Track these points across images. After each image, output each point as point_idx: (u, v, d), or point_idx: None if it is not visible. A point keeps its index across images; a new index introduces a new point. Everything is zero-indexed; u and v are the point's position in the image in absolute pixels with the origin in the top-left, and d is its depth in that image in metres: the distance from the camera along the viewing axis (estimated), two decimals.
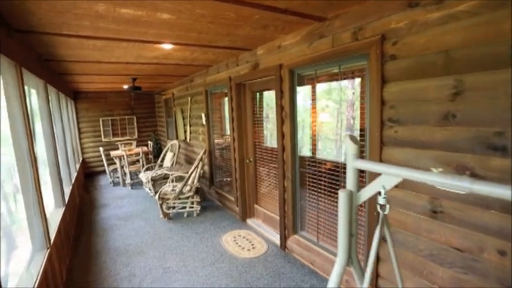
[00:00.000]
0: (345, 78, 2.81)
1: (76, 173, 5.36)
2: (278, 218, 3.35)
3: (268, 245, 3.41)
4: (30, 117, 2.32)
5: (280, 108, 2.98)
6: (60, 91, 4.64)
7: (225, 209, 4.73)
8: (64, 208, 3.34)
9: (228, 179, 4.78)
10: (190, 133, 6.00)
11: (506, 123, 1.37)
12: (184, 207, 4.49)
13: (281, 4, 1.92)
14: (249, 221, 4.12)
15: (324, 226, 2.82)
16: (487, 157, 1.45)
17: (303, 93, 2.94)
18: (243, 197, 4.17)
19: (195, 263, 3.10)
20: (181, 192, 4.34)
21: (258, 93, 3.84)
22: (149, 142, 8.23)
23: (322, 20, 2.30)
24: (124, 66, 4.03)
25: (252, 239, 3.60)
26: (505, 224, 1.42)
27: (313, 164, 2.84)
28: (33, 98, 3.27)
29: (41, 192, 2.32)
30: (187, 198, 4.45)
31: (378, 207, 0.98)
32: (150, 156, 7.63)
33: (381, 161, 2.00)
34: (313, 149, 2.97)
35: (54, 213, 3.16)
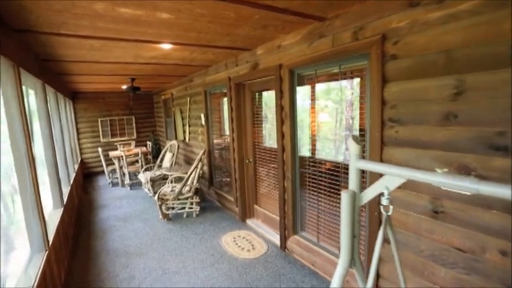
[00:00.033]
0: (344, 78, 2.81)
1: (74, 174, 5.33)
2: (278, 218, 3.34)
3: (268, 246, 3.40)
4: (28, 118, 2.30)
5: (280, 108, 2.97)
6: (58, 91, 4.61)
7: (224, 210, 4.72)
8: (62, 209, 3.31)
9: (228, 180, 4.77)
10: (189, 133, 5.98)
11: (508, 123, 1.37)
12: (183, 208, 4.47)
13: (281, 4, 1.91)
14: (249, 222, 4.10)
15: (324, 226, 2.81)
16: (488, 157, 1.45)
17: (302, 93, 2.93)
18: (242, 198, 4.15)
19: (195, 264, 3.08)
20: (180, 192, 4.32)
21: (257, 94, 3.83)
22: (148, 142, 8.20)
23: (323, 19, 2.29)
24: (123, 66, 4.01)
25: (251, 240, 3.59)
26: (507, 224, 1.42)
27: (313, 164, 2.83)
28: (31, 99, 3.26)
29: (39, 193, 2.30)
30: (187, 198, 4.43)
31: (381, 208, 0.97)
32: (149, 157, 7.61)
33: (381, 161, 1.99)
34: (313, 149, 2.96)
35: (53, 214, 3.14)
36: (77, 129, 7.61)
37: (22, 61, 2.34)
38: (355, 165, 0.99)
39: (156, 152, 8.22)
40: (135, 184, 6.45)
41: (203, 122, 5.07)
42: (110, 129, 8.05)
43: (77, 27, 2.19)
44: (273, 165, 3.58)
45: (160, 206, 4.30)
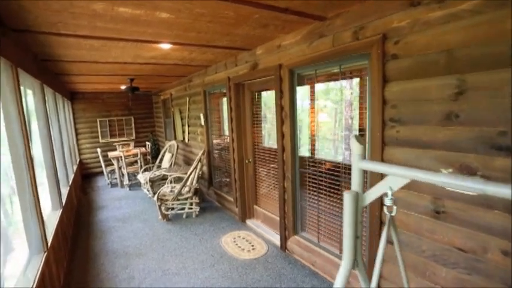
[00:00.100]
0: (344, 78, 2.80)
1: (73, 175, 5.30)
2: (278, 218, 3.33)
3: (268, 246, 3.39)
4: (26, 118, 2.29)
5: (280, 108, 2.96)
6: (56, 92, 4.59)
7: (224, 210, 4.70)
8: (61, 210, 3.29)
9: (227, 180, 4.75)
10: (188, 134, 5.96)
11: (510, 122, 1.36)
12: (183, 209, 4.45)
13: (281, 3, 1.90)
14: (249, 222, 4.09)
15: (325, 227, 2.80)
16: (490, 157, 1.44)
17: (302, 93, 2.93)
18: (242, 198, 4.14)
19: (195, 264, 3.07)
20: (180, 193, 4.31)
21: (257, 94, 3.82)
22: (147, 143, 8.18)
23: (323, 19, 2.28)
24: (122, 67, 3.99)
25: (251, 240, 3.58)
26: (508, 224, 1.42)
27: (313, 164, 2.82)
28: (30, 99, 3.24)
29: (37, 194, 2.28)
30: (186, 199, 4.41)
31: (385, 208, 0.96)
32: (148, 157, 7.59)
33: (382, 161, 1.98)
34: (312, 149, 2.95)
35: (52, 216, 3.12)
36: (76, 130, 7.58)
37: (20, 61, 2.32)
38: (358, 165, 0.98)
39: (155, 152, 8.20)
40: (134, 185, 6.42)
41: (202, 122, 5.05)
42: (109, 129, 8.02)
43: (76, 27, 2.17)
44: (272, 166, 3.57)
45: (159, 206, 4.29)
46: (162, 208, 4.30)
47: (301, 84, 2.84)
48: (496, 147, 1.43)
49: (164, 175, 5.40)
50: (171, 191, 4.48)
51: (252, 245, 3.44)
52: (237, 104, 3.91)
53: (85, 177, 7.64)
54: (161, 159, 6.48)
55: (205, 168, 5.22)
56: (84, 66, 3.84)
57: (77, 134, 7.60)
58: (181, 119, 6.21)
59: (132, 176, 6.57)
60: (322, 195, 2.76)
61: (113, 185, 6.66)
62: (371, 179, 2.11)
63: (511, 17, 1.32)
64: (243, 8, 1.92)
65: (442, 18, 1.56)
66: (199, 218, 4.42)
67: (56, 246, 2.69)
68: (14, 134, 2.10)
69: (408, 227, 1.87)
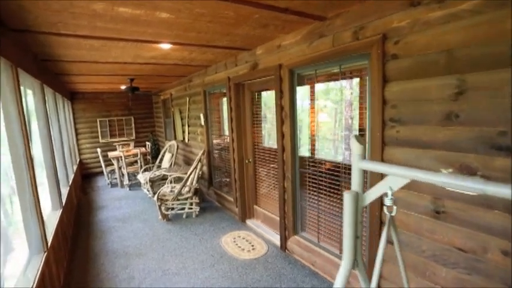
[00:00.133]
0: (344, 78, 2.80)
1: (73, 175, 5.30)
2: (278, 218, 3.33)
3: (268, 246, 3.39)
4: (26, 118, 2.29)
5: (280, 108, 2.96)
6: (56, 92, 4.59)
7: (224, 210, 4.70)
8: (61, 210, 3.29)
9: (227, 180, 4.75)
10: (188, 134, 5.96)
11: (510, 122, 1.36)
12: (183, 209, 4.45)
13: (281, 3, 1.90)
14: (249, 222, 4.09)
15: (325, 227, 2.80)
16: (490, 157, 1.44)
17: (302, 93, 2.93)
18: (242, 198, 4.14)
19: (195, 264, 3.07)
20: (180, 193, 4.31)
21: (257, 94, 3.82)
22: (147, 143, 8.18)
23: (323, 19, 2.28)
24: (122, 67, 3.99)
25: (251, 240, 3.58)
26: (508, 224, 1.41)
27: (313, 164, 2.82)
28: (30, 99, 3.24)
29: (37, 194, 2.28)
30: (186, 199, 4.41)
31: (385, 208, 0.96)
32: (148, 157, 7.59)
33: (382, 161, 1.98)
34: (312, 149, 2.95)
35: (52, 216, 3.12)
36: (76, 130, 7.58)
37: (20, 61, 2.32)
38: (358, 165, 0.98)
39: (155, 152, 8.20)
40: (134, 185, 6.43)
41: (202, 122, 5.05)
42: (109, 129, 8.02)
43: (76, 27, 2.17)
44: (272, 165, 3.57)
45: (159, 206, 4.29)
46: (162, 208, 4.30)
47: (301, 84, 2.83)
48: (496, 147, 1.43)
49: (164, 175, 5.40)
50: (171, 191, 4.48)
51: (252, 245, 3.44)
52: (237, 104, 3.91)
53: (85, 177, 7.64)
54: (161, 159, 6.48)
55: (205, 168, 5.22)
56: (84, 66, 3.84)
57: (77, 134, 7.60)
58: (181, 119, 6.21)
59: (132, 176, 6.57)
60: (322, 195, 2.76)
61: (113, 185, 6.66)
62: (371, 179, 2.11)
63: (511, 17, 1.32)
64: (243, 8, 1.92)
65: (442, 18, 1.56)
66: (199, 218, 4.42)
67: (56, 246, 2.69)
68: (14, 134, 2.10)
69: (408, 227, 1.87)
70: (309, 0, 1.88)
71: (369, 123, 2.06)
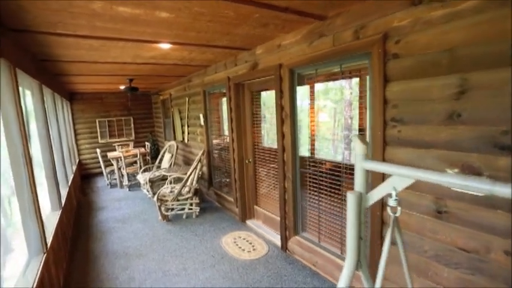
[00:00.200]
0: (345, 78, 2.79)
1: (72, 175, 5.28)
2: (278, 219, 3.32)
3: (269, 247, 3.38)
4: (25, 119, 2.27)
5: (280, 108, 2.95)
6: (55, 92, 4.57)
7: (224, 210, 4.69)
8: (61, 211, 3.27)
9: (227, 180, 4.74)
10: (188, 134, 5.94)
11: (511, 122, 1.36)
12: (183, 209, 4.44)
13: (282, 3, 1.89)
14: (249, 222, 4.08)
15: (326, 227, 2.79)
16: (493, 156, 1.44)
17: (302, 93, 2.92)
18: (242, 198, 4.13)
19: (195, 265, 3.06)
20: (180, 193, 4.29)
21: (257, 94, 3.81)
22: (146, 143, 8.16)
23: (323, 18, 2.27)
24: (121, 67, 3.97)
25: (252, 241, 3.56)
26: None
27: (314, 164, 2.81)
28: (28, 99, 3.22)
29: (36, 195, 2.27)
30: (186, 199, 4.40)
31: (389, 209, 0.95)
32: (148, 158, 7.57)
33: (383, 160, 1.97)
34: (312, 149, 2.94)
35: (51, 216, 3.10)
36: (75, 130, 7.56)
37: (19, 61, 2.31)
38: (361, 165, 0.97)
39: (155, 152, 8.18)
40: (134, 185, 6.41)
41: (202, 123, 5.04)
42: (108, 130, 8.00)
43: (75, 27, 2.15)
44: (273, 166, 3.56)
45: (159, 207, 4.27)
46: (162, 209, 4.28)
47: (301, 84, 2.82)
48: (498, 147, 1.42)
49: (164, 175, 5.38)
50: (171, 192, 4.47)
51: (253, 246, 3.43)
52: (236, 104, 3.89)
53: (84, 177, 7.61)
54: (161, 160, 6.46)
55: (205, 168, 5.20)
56: (83, 67, 3.82)
57: (76, 135, 7.58)
58: (181, 119, 6.19)
59: (132, 176, 6.55)
60: (322, 195, 2.75)
61: (113, 186, 6.63)
62: (372, 179, 2.10)
63: (511, 16, 1.31)
64: (243, 7, 1.91)
65: (444, 17, 1.55)
66: (199, 218, 4.40)
67: (55, 247, 2.68)
68: (13, 134, 2.09)
69: (410, 227, 1.86)
70: (309, 0, 1.87)
71: (370, 123, 2.05)
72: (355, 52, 2.10)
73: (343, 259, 2.55)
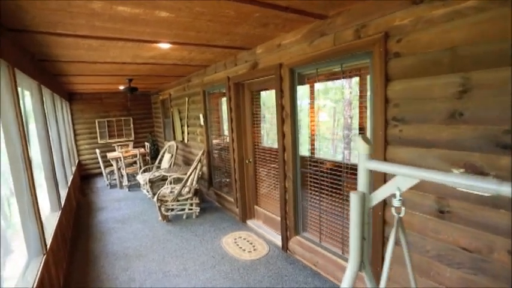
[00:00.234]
0: (346, 77, 2.78)
1: (72, 176, 5.27)
2: (279, 219, 3.31)
3: (270, 247, 3.37)
4: (24, 119, 2.25)
5: (280, 107, 2.94)
6: (54, 92, 4.55)
7: (224, 210, 4.68)
8: (60, 212, 3.26)
9: (227, 180, 4.73)
10: (188, 134, 5.93)
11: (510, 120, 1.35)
12: (183, 209, 4.43)
13: (282, 2, 1.88)
14: (249, 222, 4.07)
15: (327, 227, 2.78)
16: (496, 155, 1.43)
17: (303, 92, 2.91)
18: (242, 198, 4.12)
19: (196, 266, 3.05)
20: (180, 193, 4.28)
21: (257, 93, 3.79)
22: (146, 143, 8.14)
23: (324, 17, 2.26)
24: (120, 67, 3.96)
25: (252, 241, 3.55)
26: None
27: (315, 163, 2.80)
28: (27, 100, 3.20)
29: (36, 196, 2.25)
30: (186, 200, 4.39)
31: (393, 210, 0.94)
32: (148, 158, 7.55)
33: (385, 160, 1.96)
34: (312, 149, 2.93)
35: (50, 217, 3.09)
36: (74, 131, 7.54)
37: (17, 61, 2.29)
38: (365, 165, 0.96)
39: (155, 153, 8.16)
40: (134, 185, 6.39)
41: (202, 123, 5.03)
42: (108, 130, 7.98)
43: (74, 27, 2.14)
44: (273, 165, 3.55)
45: (159, 207, 4.26)
46: (162, 209, 4.27)
47: (301, 83, 2.81)
48: (501, 146, 1.41)
49: (164, 176, 5.36)
50: (170, 192, 4.45)
51: (253, 246, 3.42)
52: (236, 104, 3.88)
53: (84, 178, 7.59)
54: (160, 160, 6.44)
55: (205, 168, 5.19)
56: (82, 67, 3.80)
57: (75, 135, 7.56)
58: (181, 119, 6.18)
59: (132, 176, 6.53)
60: (323, 195, 2.75)
61: (112, 186, 6.62)
62: (373, 179, 2.09)
63: (511, 15, 1.31)
64: (244, 6, 1.89)
65: (446, 16, 1.54)
66: (199, 218, 4.39)
67: (55, 248, 2.66)
68: (12, 135, 2.07)
69: (412, 226, 1.85)
70: None
71: (371, 122, 2.04)
72: (356, 51, 2.09)
73: (344, 259, 2.54)
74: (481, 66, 1.44)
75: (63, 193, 3.96)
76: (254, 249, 3.33)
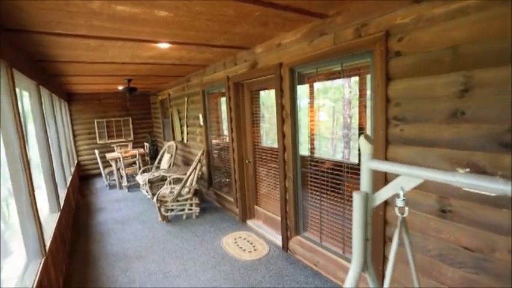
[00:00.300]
0: (346, 77, 2.77)
1: (71, 177, 5.24)
2: (279, 219, 3.31)
3: (270, 247, 3.36)
4: (22, 120, 2.24)
5: (280, 107, 2.93)
6: (53, 93, 4.52)
7: (224, 211, 4.67)
8: (59, 213, 3.24)
9: (227, 180, 4.72)
10: (187, 134, 5.91)
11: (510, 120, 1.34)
12: (182, 210, 4.41)
13: (282, 1, 1.87)
14: (250, 222, 4.06)
15: (327, 227, 2.77)
16: (498, 154, 1.42)
17: (302, 92, 2.90)
18: (242, 198, 4.11)
19: (196, 266, 3.03)
20: (179, 194, 4.26)
21: (256, 93, 3.78)
22: (145, 144, 8.12)
23: (324, 16, 2.25)
24: (119, 67, 3.94)
25: (253, 241, 3.54)
26: None
27: (315, 163, 2.79)
28: (26, 101, 3.18)
29: (34, 197, 2.24)
30: (186, 200, 4.37)
31: (396, 210, 0.93)
32: (147, 158, 7.53)
33: (386, 159, 1.96)
34: (312, 149, 2.92)
35: (49, 219, 3.07)
36: (73, 131, 7.51)
37: (15, 62, 2.28)
38: (368, 165, 0.95)
39: (154, 153, 8.14)
40: (133, 186, 6.37)
41: (201, 122, 5.01)
42: (107, 130, 7.95)
43: (72, 26, 2.12)
44: (273, 165, 3.54)
45: (159, 207, 4.24)
46: (162, 209, 4.25)
47: (301, 83, 2.80)
48: (503, 145, 1.40)
49: (163, 176, 5.35)
50: (170, 192, 4.44)
51: (254, 246, 3.41)
52: (236, 104, 3.87)
53: (83, 179, 7.57)
54: (160, 160, 6.42)
55: (204, 168, 5.18)
56: (81, 67, 3.78)
57: (74, 136, 7.53)
58: (180, 119, 6.16)
59: (131, 177, 6.51)
60: (324, 195, 2.74)
61: (111, 187, 6.60)
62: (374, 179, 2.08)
63: (511, 14, 1.30)
64: (243, 5, 1.88)
65: (447, 14, 1.53)
66: (199, 219, 4.38)
67: (54, 250, 2.64)
68: (10, 136, 2.05)
69: (414, 226, 1.84)
70: None
71: (372, 122, 2.03)
72: (356, 50, 2.08)
73: (345, 259, 2.53)
74: (482, 65, 1.44)
75: (62, 194, 3.94)
76: (254, 249, 3.32)
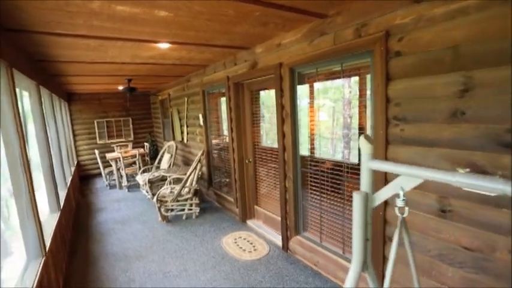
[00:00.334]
0: (346, 76, 2.77)
1: (71, 177, 5.24)
2: (279, 218, 3.31)
3: (270, 247, 3.36)
4: (22, 120, 2.24)
5: (280, 107, 2.93)
6: (53, 93, 4.52)
7: (224, 211, 4.67)
8: (59, 213, 3.24)
9: (227, 180, 4.72)
10: (187, 134, 5.92)
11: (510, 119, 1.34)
12: (182, 210, 4.41)
13: (282, 1, 1.87)
14: (249, 222, 4.06)
15: (327, 226, 2.78)
16: (498, 154, 1.42)
17: (302, 92, 2.90)
18: (242, 198, 4.11)
19: (196, 266, 3.04)
20: (179, 194, 4.26)
21: (256, 93, 3.78)
22: (145, 144, 8.12)
23: (324, 16, 2.25)
24: (119, 67, 3.94)
25: (253, 241, 3.54)
26: None
27: (315, 163, 2.80)
28: (26, 101, 3.18)
29: (34, 197, 2.24)
30: (186, 200, 4.37)
31: (396, 210, 0.93)
32: (147, 158, 7.53)
33: (386, 159, 1.96)
34: (312, 149, 2.93)
35: (50, 219, 3.07)
36: (73, 131, 7.51)
37: (15, 62, 2.28)
38: (368, 165, 0.95)
39: (154, 153, 8.14)
40: (133, 186, 6.37)
41: (201, 123, 5.01)
42: (107, 130, 7.95)
43: (72, 26, 2.12)
44: (273, 165, 3.54)
45: (159, 208, 4.24)
46: (162, 209, 4.26)
47: (301, 83, 2.80)
48: (503, 145, 1.40)
49: (163, 176, 5.35)
50: (170, 192, 4.44)
51: (254, 246, 3.41)
52: (236, 104, 3.87)
53: (83, 179, 7.57)
54: (160, 160, 6.42)
55: (204, 168, 5.18)
56: (80, 67, 3.78)
57: (74, 136, 7.53)
58: (180, 120, 6.16)
59: (131, 177, 6.51)
60: (324, 195, 2.74)
61: (112, 187, 6.60)
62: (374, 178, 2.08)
63: (511, 14, 1.30)
64: (243, 5, 1.88)
65: (447, 14, 1.53)
66: (199, 219, 4.38)
67: (54, 250, 2.65)
68: (10, 136, 2.06)
69: (413, 226, 1.84)
70: None
71: (372, 122, 2.03)
72: (356, 50, 2.08)
73: (345, 259, 2.53)
74: (483, 65, 1.44)
75: (62, 194, 3.94)
76: (254, 249, 3.32)
